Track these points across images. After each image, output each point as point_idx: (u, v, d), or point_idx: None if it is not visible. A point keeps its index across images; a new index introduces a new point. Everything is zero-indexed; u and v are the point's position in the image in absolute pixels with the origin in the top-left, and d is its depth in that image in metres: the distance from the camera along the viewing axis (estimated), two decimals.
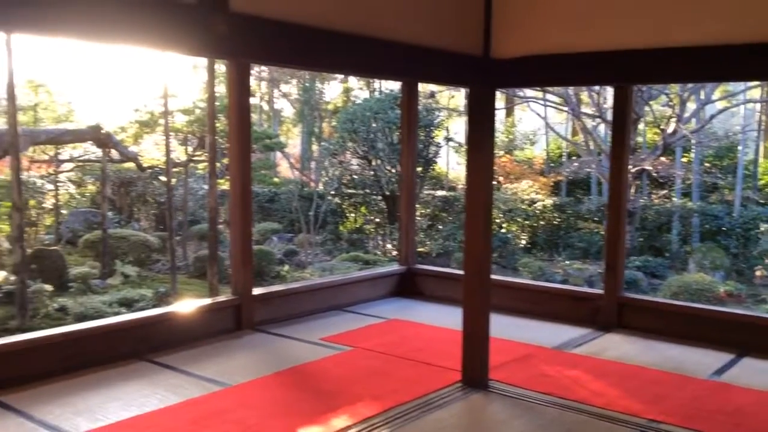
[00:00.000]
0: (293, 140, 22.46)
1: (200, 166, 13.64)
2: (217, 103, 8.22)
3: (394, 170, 13.71)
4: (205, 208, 14.16)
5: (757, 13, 3.43)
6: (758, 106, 16.84)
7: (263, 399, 4.14)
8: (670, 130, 13.24)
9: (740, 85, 14.57)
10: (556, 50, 4.00)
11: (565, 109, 14.73)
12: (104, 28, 2.66)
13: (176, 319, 5.19)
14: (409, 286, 6.98)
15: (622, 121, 5.79)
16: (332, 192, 14.93)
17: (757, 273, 12.25)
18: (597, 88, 12.93)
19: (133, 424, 3.70)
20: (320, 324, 5.84)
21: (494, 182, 7.39)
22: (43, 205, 11.75)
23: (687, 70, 3.86)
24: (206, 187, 14.59)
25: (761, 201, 14.52)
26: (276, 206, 15.75)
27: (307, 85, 19.22)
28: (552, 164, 17.56)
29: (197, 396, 4.13)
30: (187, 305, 5.42)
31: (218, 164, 9.11)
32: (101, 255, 10.25)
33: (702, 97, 13.48)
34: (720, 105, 15.07)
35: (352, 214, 15.74)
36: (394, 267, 7.28)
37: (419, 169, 13.26)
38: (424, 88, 14.18)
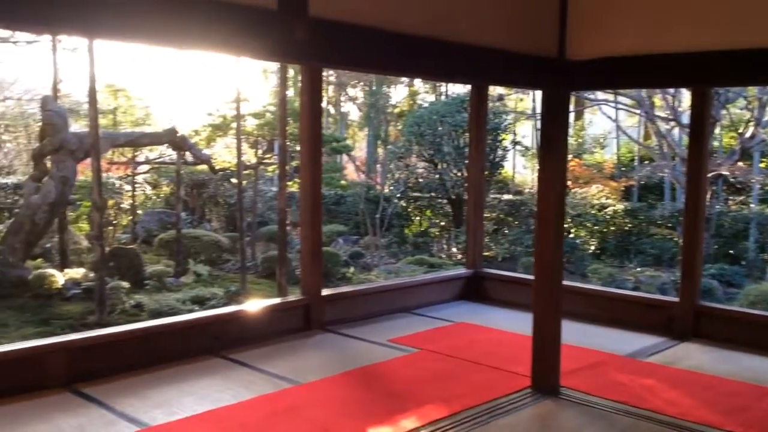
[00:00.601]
0: (359, 143, 22.65)
1: (269, 168, 13.90)
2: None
3: (460, 174, 13.64)
4: (273, 209, 14.43)
5: None
6: None
7: (333, 398, 4.20)
8: (748, 134, 12.74)
9: None
10: (632, 52, 3.92)
11: (638, 112, 14.36)
12: (186, 35, 2.75)
13: (248, 317, 5.31)
14: (476, 289, 6.94)
15: (701, 124, 5.62)
16: (398, 195, 14.97)
17: None
18: (672, 90, 12.57)
19: (208, 418, 3.80)
20: (388, 325, 5.87)
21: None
22: (121, 205, 12.20)
23: (766, 72, 3.72)
24: (275, 189, 14.89)
25: None
26: (342, 209, 15.90)
27: (373, 88, 19.34)
28: (623, 168, 17.13)
29: (269, 392, 4.22)
30: (258, 304, 5.54)
31: (287, 167, 9.27)
32: (175, 254, 10.54)
33: None
34: None
35: (418, 218, 15.75)
36: (461, 270, 7.26)
37: (485, 172, 13.16)
38: (492, 91, 14.08)
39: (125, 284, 8.52)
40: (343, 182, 17.41)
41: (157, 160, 13.21)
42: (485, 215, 14.14)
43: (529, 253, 12.38)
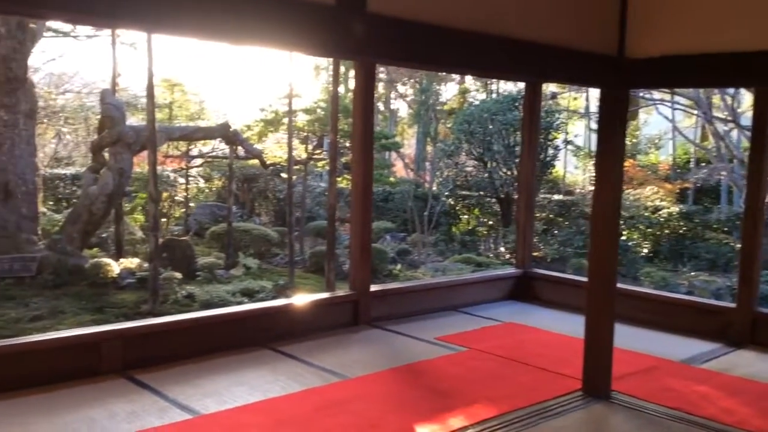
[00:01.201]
0: (408, 141, 22.64)
1: (319, 164, 14.00)
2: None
3: (509, 173, 13.51)
4: (321, 205, 14.54)
5: None
6: None
7: (380, 393, 4.21)
8: None
9: None
10: (694, 50, 3.82)
11: (696, 112, 13.99)
12: (243, 31, 2.78)
13: (297, 310, 5.37)
14: (525, 289, 6.87)
15: (762, 125, 5.44)
16: (446, 193, 14.92)
17: None
18: (731, 90, 12.20)
19: (258, 409, 3.86)
20: (435, 323, 5.86)
21: None
22: (175, 197, 12.46)
23: None
24: (323, 184, 15.00)
25: None
26: (390, 205, 15.92)
27: (423, 85, 19.30)
28: (678, 170, 16.73)
29: (317, 386, 4.25)
30: (307, 298, 5.59)
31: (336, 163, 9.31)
32: (225, 247, 10.71)
33: None
34: None
35: (465, 216, 15.67)
36: (510, 270, 7.19)
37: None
38: (545, 89, 13.90)
39: (178, 275, 8.69)
40: (391, 179, 17.44)
41: (210, 154, 13.44)
42: (535, 215, 13.99)
43: (579, 255, 12.19)
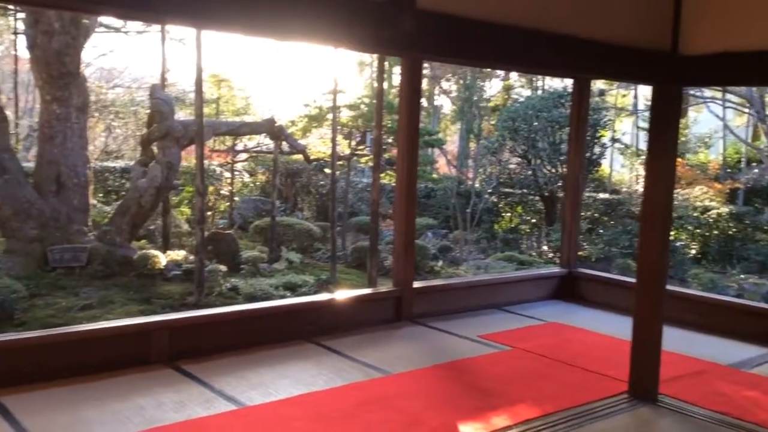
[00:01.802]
0: (451, 137, 22.56)
1: (362, 160, 14.04)
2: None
3: (554, 170, 13.35)
4: (363, 200, 14.59)
5: None
6: None
7: (423, 390, 4.21)
8: None
9: None
10: (753, 47, 3.71)
11: (748, 110, 13.62)
12: (292, 27, 2.80)
13: (340, 305, 5.40)
14: (569, 289, 6.78)
15: None
16: (489, 190, 14.82)
17: None
18: None
19: (302, 402, 3.89)
20: (478, 321, 5.83)
21: None
22: (220, 191, 12.64)
23: None
24: (366, 180, 15.04)
25: None
26: (432, 202, 15.89)
27: (468, 82, 19.19)
28: (729, 170, 16.31)
29: (360, 381, 4.27)
30: (350, 294, 5.62)
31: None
32: (269, 241, 10.83)
33: None
34: None
35: (508, 214, 15.54)
36: (555, 269, 7.11)
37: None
38: (592, 85, 13.70)
39: (222, 268, 8.82)
40: (434, 176, 17.40)
41: (255, 149, 13.60)
42: (580, 214, 13.79)
43: (625, 255, 11.99)
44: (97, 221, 10.43)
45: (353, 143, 12.97)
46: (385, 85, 12.54)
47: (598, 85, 15.04)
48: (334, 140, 10.12)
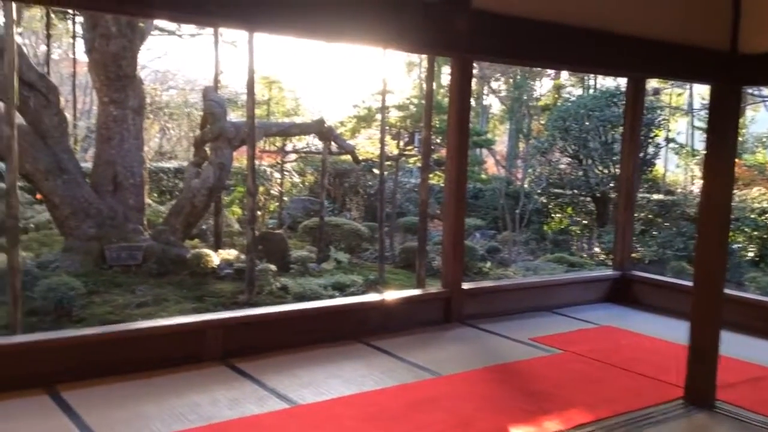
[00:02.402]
0: (500, 137, 22.38)
1: (410, 160, 14.04)
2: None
3: (606, 171, 13.12)
4: (411, 201, 14.59)
5: None
6: None
7: (473, 392, 4.19)
8: None
9: None
10: None
11: None
12: (345, 29, 2.82)
13: (390, 306, 5.41)
14: (623, 292, 6.66)
15: None
16: (539, 191, 14.65)
17: None
18: None
19: (353, 402, 3.92)
20: (528, 323, 5.77)
21: None
22: (270, 191, 12.81)
23: None
24: (414, 180, 15.04)
25: None
26: (480, 202, 15.79)
27: (517, 81, 19.01)
28: None
29: (410, 381, 4.27)
30: (399, 294, 5.63)
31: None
32: (317, 240, 10.93)
33: None
34: None
35: (558, 215, 15.34)
36: (608, 272, 6.99)
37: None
38: (647, 84, 13.42)
39: (272, 267, 8.93)
40: (482, 176, 17.29)
41: (304, 150, 13.75)
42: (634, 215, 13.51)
43: (680, 257, 11.70)
44: (152, 220, 10.68)
45: (401, 143, 12.99)
46: (434, 85, 12.53)
47: (652, 83, 14.70)
48: (382, 141, 10.15)
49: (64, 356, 3.98)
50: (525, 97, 18.80)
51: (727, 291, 5.54)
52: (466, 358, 4.79)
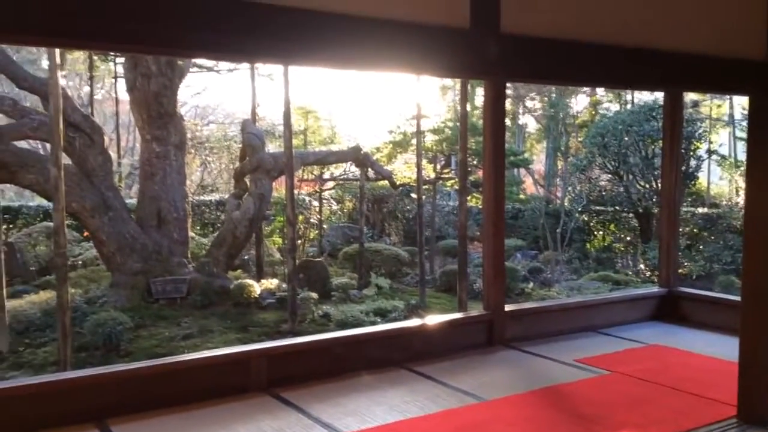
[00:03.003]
0: (538, 156, 22.24)
1: (447, 183, 14.05)
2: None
3: (647, 186, 12.92)
4: (450, 224, 14.57)
5: None
6: None
7: (519, 416, 4.13)
8: None
9: None
10: None
11: None
12: (377, 58, 2.86)
13: (432, 331, 5.38)
14: (670, 309, 6.51)
15: None
16: (579, 209, 14.49)
17: None
18: None
19: (398, 429, 3.90)
20: (574, 344, 5.68)
21: None
22: (310, 220, 12.93)
23: None
24: (452, 203, 15.03)
25: None
26: (520, 223, 15.68)
27: (553, 100, 18.93)
28: None
29: (454, 407, 4.23)
30: (441, 318, 5.60)
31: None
32: (358, 267, 10.97)
33: None
34: None
35: (600, 232, 15.12)
36: (653, 289, 6.85)
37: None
38: (685, 96, 13.24)
39: (314, 295, 8.99)
40: (521, 196, 17.18)
41: (341, 177, 13.88)
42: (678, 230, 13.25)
43: (728, 271, 11.42)
44: (196, 253, 10.86)
45: (438, 167, 13.01)
46: (468, 107, 12.55)
47: (690, 96, 14.49)
48: (419, 165, 10.19)
49: (112, 391, 4.06)
50: (561, 115, 18.70)
51: None
52: (511, 382, 4.73)
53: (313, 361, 4.78)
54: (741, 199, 14.18)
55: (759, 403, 3.98)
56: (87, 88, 16.26)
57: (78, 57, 15.44)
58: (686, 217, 13.71)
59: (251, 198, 9.86)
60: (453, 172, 13.41)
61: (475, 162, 12.20)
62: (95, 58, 14.07)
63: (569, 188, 15.36)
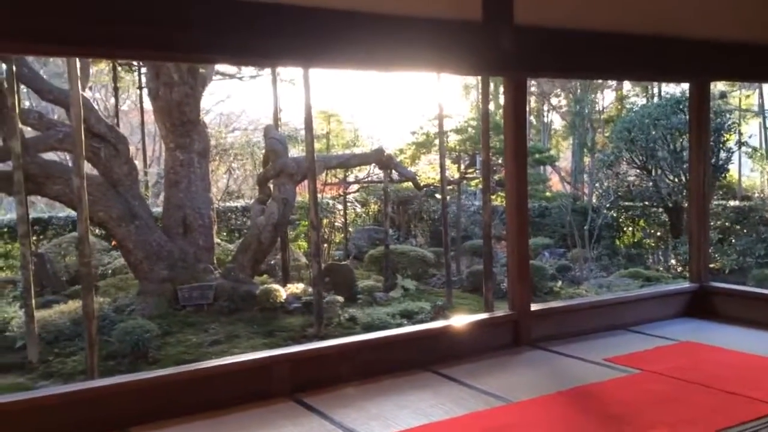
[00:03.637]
0: (564, 153, 22.00)
1: (472, 183, 13.95)
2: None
3: (677, 180, 12.69)
4: (476, 224, 14.45)
5: None
6: None
7: (548, 418, 4.03)
8: None
9: None
10: None
11: None
12: (394, 57, 2.82)
13: (456, 332, 5.30)
14: (702, 305, 6.33)
15: None
16: (607, 205, 14.28)
17: None
18: None
19: None
20: (602, 343, 5.54)
21: None
22: (335, 223, 12.93)
23: None
24: (477, 203, 14.91)
25: None
26: (547, 221, 15.50)
27: (578, 95, 18.71)
28: None
29: (481, 410, 4.15)
30: (466, 319, 5.52)
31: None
32: (384, 269, 10.93)
33: None
34: None
35: (630, 228, 14.89)
36: (684, 284, 6.68)
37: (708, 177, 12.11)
38: (713, 87, 12.98)
39: (340, 298, 8.97)
40: (547, 194, 17.00)
41: (365, 180, 13.85)
42: (709, 224, 12.97)
43: (761, 265, 11.17)
44: (222, 259, 10.92)
45: (462, 167, 12.92)
46: (492, 105, 12.46)
47: (718, 86, 14.20)
48: (442, 165, 10.12)
49: (135, 399, 4.05)
50: (587, 111, 18.46)
51: None
52: (539, 383, 4.63)
53: (336, 365, 4.73)
54: None
55: None
56: (113, 100, 16.47)
57: (102, 68, 15.64)
58: (717, 211, 13.44)
59: (275, 203, 9.87)
60: (477, 171, 13.30)
61: (499, 161, 12.10)
62: (119, 69, 14.23)
63: (596, 184, 15.16)
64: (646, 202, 13.95)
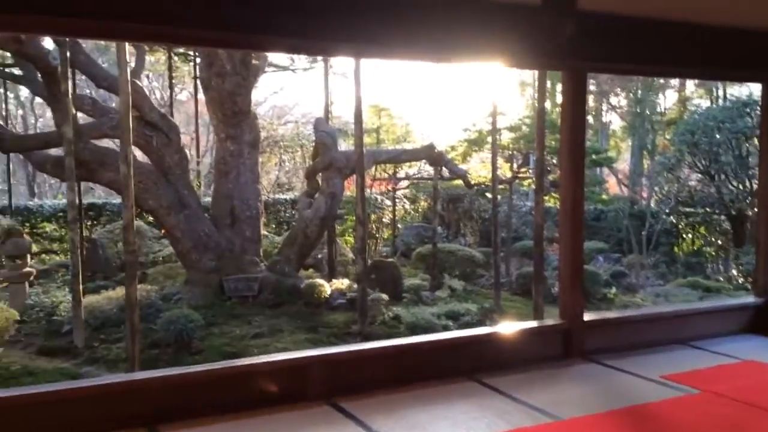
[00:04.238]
0: (622, 155, 21.37)
1: (525, 182, 13.61)
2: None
3: (742, 186, 12.10)
4: (527, 224, 14.09)
5: None
6: None
7: None
8: None
9: None
10: None
11: None
12: (450, 47, 2.64)
13: (503, 339, 5.06)
14: (767, 322, 5.95)
15: None
16: (666, 210, 13.74)
17: None
18: None
19: None
20: (659, 359, 5.23)
21: None
22: (383, 219, 12.77)
23: None
24: (529, 203, 14.55)
25: None
26: (602, 224, 15.04)
27: (639, 95, 18.10)
28: None
29: (526, 426, 3.92)
30: (513, 327, 5.27)
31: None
32: (431, 268, 10.72)
33: None
34: None
35: (689, 235, 14.31)
36: (749, 298, 6.28)
37: None
38: None
39: (384, 296, 8.79)
40: (603, 196, 16.51)
41: (415, 176, 13.65)
42: None
43: None
44: (269, 251, 10.87)
45: (515, 166, 12.60)
46: (548, 104, 12.10)
47: None
48: (494, 163, 9.85)
49: (165, 395, 3.94)
50: (648, 112, 17.85)
51: None
52: (589, 400, 4.36)
53: (376, 369, 4.55)
54: None
55: None
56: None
57: (159, 58, 15.81)
58: None
59: (322, 196, 9.76)
60: (530, 171, 12.96)
61: (553, 161, 11.74)
62: (175, 58, 14.34)
63: (656, 188, 14.62)
64: (708, 209, 13.37)
